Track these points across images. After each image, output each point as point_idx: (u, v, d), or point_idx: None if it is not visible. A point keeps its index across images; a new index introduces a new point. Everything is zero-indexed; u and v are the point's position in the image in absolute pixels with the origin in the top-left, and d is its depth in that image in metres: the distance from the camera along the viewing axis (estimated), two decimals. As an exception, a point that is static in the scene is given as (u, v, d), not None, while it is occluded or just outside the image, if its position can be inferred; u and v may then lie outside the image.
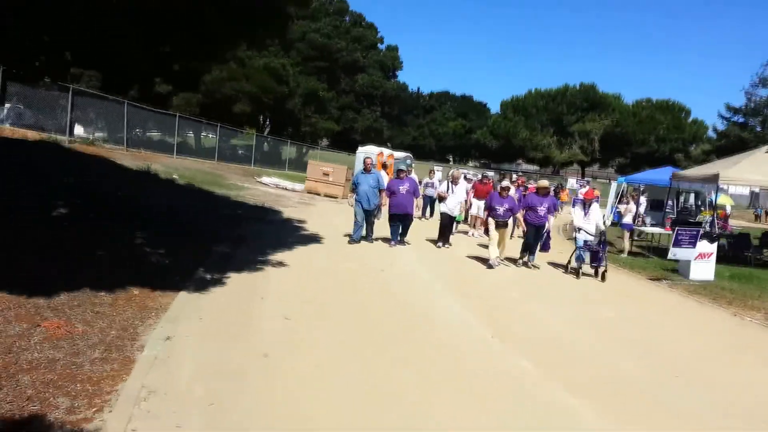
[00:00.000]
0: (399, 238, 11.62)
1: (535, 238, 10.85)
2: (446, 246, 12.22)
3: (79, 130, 21.03)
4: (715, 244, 11.16)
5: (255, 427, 3.62)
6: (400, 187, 11.44)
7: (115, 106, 20.54)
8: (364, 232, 11.52)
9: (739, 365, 6.11)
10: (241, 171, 25.39)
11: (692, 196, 24.96)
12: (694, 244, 10.34)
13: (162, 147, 24.17)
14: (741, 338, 7.26)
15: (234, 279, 7.31)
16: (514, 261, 11.00)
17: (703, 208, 23.80)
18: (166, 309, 5.67)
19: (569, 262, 10.71)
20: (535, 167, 62.25)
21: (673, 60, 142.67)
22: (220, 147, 27.89)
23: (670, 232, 13.78)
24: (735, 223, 24.84)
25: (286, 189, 22.92)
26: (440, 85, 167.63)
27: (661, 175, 19.26)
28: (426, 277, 9.20)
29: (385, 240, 11.70)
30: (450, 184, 12.96)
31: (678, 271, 11.17)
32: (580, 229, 10.55)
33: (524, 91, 65.48)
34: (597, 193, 16.49)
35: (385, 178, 13.43)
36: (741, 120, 48.86)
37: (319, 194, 21.86)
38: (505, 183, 11.29)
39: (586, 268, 10.46)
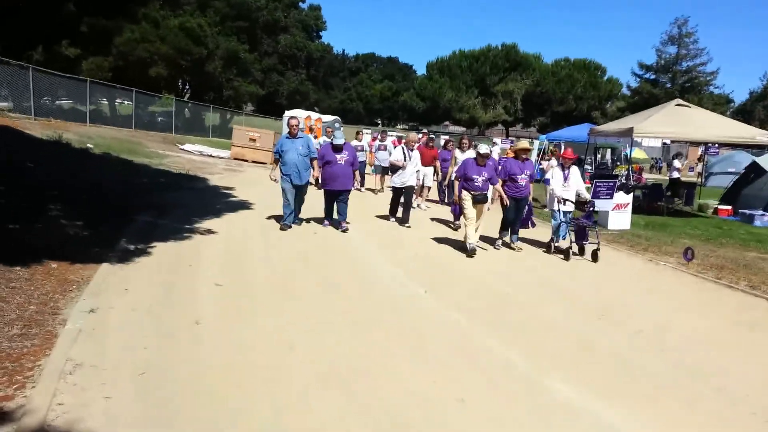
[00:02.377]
0: (334, 218, 9.69)
1: (517, 214, 9.02)
2: (395, 219, 10.65)
3: (-19, 100, 19.43)
4: (631, 195, 11.79)
5: (188, 395, 3.56)
6: (337, 156, 9.33)
7: (19, 72, 18.98)
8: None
9: (653, 305, 6.55)
10: (162, 139, 24.32)
11: (609, 151, 26.23)
12: (611, 196, 10.86)
13: (74, 115, 22.70)
14: (656, 281, 7.76)
15: (160, 248, 7.08)
16: (491, 241, 9.22)
17: (618, 163, 25.13)
18: (89, 281, 5.43)
19: (552, 240, 9.02)
20: (462, 128, 63.15)
21: (589, 18, 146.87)
22: (138, 114, 26.50)
23: (589, 186, 14.47)
24: (647, 176, 26.35)
25: (211, 156, 22.21)
26: (366, 47, 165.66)
27: (580, 131, 20.04)
28: (377, 257, 9.22)
29: (317, 221, 9.92)
30: (406, 150, 10.84)
31: (597, 221, 11.75)
32: (565, 200, 8.78)
33: (449, 52, 65.74)
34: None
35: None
36: (652, 77, 51.43)
37: (246, 160, 21.34)
38: (482, 148, 8.61)
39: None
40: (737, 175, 16.97)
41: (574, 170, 9.08)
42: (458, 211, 8.76)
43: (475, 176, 8.29)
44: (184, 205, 10.32)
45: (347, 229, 9.46)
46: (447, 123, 64.67)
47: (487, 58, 58.68)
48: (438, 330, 5.05)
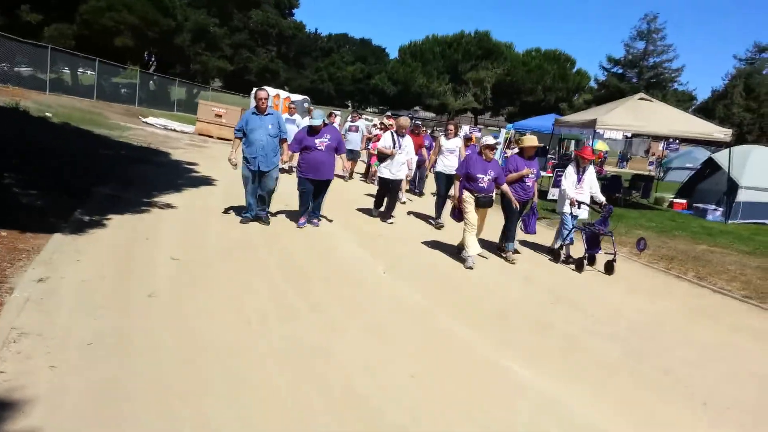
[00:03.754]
0: (312, 213, 8.39)
1: (520, 218, 7.97)
2: (388, 221, 9.43)
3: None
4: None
5: (137, 367, 3.54)
6: (317, 141, 7.90)
7: (-26, 34, 18.30)
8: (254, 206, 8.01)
9: (604, 291, 6.78)
10: (125, 111, 23.72)
11: (573, 143, 26.67)
12: (571, 185, 11.05)
13: (33, 83, 21.99)
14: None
15: (116, 221, 6.95)
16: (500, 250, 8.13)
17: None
18: (39, 251, 5.30)
19: (561, 247, 8.06)
20: (432, 114, 63.28)
21: (562, 8, 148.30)
22: (100, 84, 25.77)
23: (551, 175, 14.74)
24: (607, 168, 26.93)
25: (174, 130, 21.79)
26: (339, 27, 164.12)
27: (546, 121, 20.34)
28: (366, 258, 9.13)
29: (291, 215, 8.72)
30: (395, 136, 9.54)
31: (556, 210, 11.98)
32: (579, 203, 7.81)
33: (422, 36, 65.63)
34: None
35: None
36: (620, 71, 52.36)
37: (211, 137, 20.99)
38: (489, 140, 7.38)
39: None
40: (694, 170, 17.47)
41: (590, 171, 8.02)
42: (458, 215, 7.33)
43: (479, 175, 7.11)
44: (144, 179, 10.12)
45: (318, 224, 8.40)
46: (417, 108, 64.67)
47: (459, 45, 58.81)
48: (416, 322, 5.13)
